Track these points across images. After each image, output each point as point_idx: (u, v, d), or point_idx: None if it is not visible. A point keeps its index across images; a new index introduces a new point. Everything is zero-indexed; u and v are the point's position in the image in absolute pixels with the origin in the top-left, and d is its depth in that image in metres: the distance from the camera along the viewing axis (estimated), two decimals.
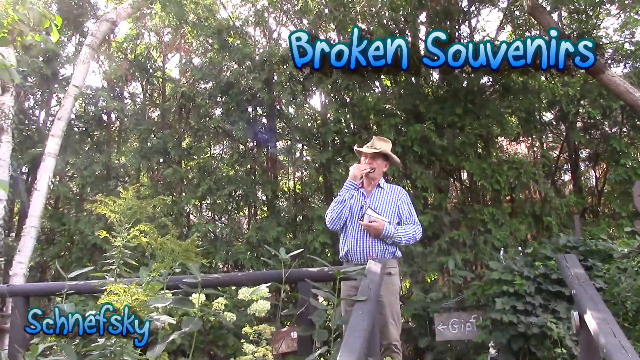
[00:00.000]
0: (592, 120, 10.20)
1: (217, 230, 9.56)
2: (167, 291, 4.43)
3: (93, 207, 3.28)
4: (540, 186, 9.40)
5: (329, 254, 8.95)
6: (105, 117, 11.83)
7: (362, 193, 5.17)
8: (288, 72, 9.66)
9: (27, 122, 12.06)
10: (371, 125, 9.89)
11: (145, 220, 3.39)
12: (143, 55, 12.55)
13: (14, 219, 12.46)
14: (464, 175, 10.57)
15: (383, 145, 5.11)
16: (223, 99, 10.42)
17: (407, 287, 10.31)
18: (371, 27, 9.93)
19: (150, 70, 12.29)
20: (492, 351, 6.38)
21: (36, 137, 11.35)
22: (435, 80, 10.16)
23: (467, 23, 10.91)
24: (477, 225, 8.99)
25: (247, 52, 9.83)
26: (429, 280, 9.35)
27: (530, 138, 10.51)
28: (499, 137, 9.81)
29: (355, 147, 5.31)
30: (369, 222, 4.91)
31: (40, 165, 9.70)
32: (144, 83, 12.58)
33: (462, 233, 8.87)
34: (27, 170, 11.88)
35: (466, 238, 8.84)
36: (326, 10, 10.33)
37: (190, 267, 4.55)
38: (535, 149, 10.86)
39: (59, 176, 11.19)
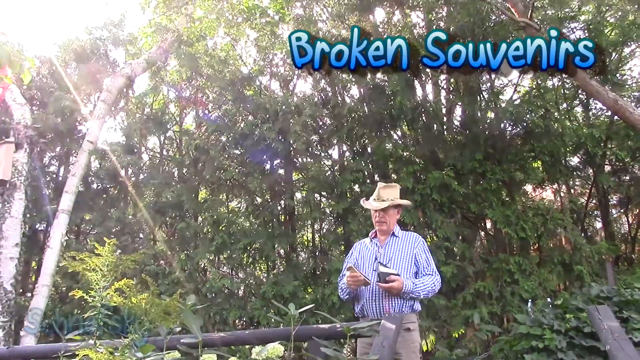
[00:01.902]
0: (620, 163, 9.79)
1: (232, 286, 9.23)
2: (163, 353, 4.13)
3: (69, 264, 3.01)
4: (569, 233, 8.95)
5: (348, 309, 8.55)
6: (121, 173, 11.77)
7: (376, 243, 4.84)
8: (302, 122, 9.48)
9: (43, 178, 12.06)
10: (389, 173, 9.59)
11: (129, 277, 3.10)
12: (161, 109, 12.58)
13: (31, 278, 12.32)
14: (489, 224, 10.15)
15: (390, 193, 4.79)
16: (238, 151, 10.29)
17: (433, 342, 9.81)
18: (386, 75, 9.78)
19: (167, 125, 12.29)
20: None
21: (52, 194, 11.30)
22: (454, 125, 9.89)
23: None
24: (503, 276, 8.53)
25: (261, 102, 9.72)
26: (456, 335, 8.84)
27: (556, 183, 10.10)
28: (523, 183, 9.40)
29: (362, 203, 4.98)
30: (386, 279, 4.55)
31: (54, 222, 9.61)
32: (161, 137, 12.59)
33: (488, 284, 8.41)
34: (43, 228, 11.80)
35: (492, 289, 8.38)
36: None
37: (191, 325, 4.25)
38: (562, 194, 10.44)
39: (74, 233, 11.09)
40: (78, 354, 2.83)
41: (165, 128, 11.98)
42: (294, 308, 4.56)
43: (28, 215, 9.33)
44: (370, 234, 4.87)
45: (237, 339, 5.29)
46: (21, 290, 11.81)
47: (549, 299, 6.83)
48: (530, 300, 7.49)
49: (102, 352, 2.64)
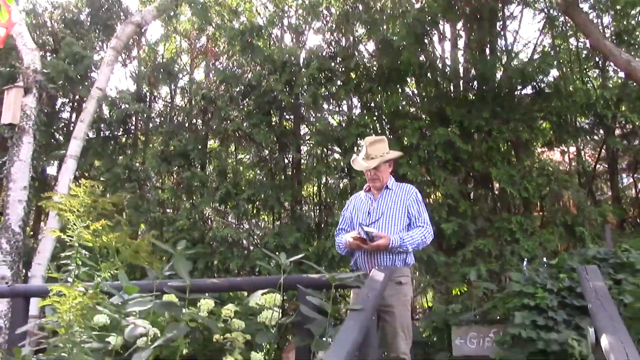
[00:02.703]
0: (631, 126, 9.62)
1: (236, 235, 9.32)
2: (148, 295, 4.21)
3: (45, 205, 3.06)
4: (574, 195, 8.87)
5: (348, 263, 8.62)
6: (131, 120, 11.82)
7: (370, 197, 4.80)
8: (310, 74, 9.40)
9: (55, 124, 12.16)
10: (395, 128, 9.49)
11: (106, 218, 3.13)
12: (172, 58, 12.54)
13: (43, 222, 12.56)
14: (495, 184, 10.09)
15: (379, 149, 4.64)
16: (245, 102, 10.26)
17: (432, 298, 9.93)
18: (397, 29, 9.63)
19: (179, 75, 12.26)
20: None
21: (61, 139, 11.41)
22: (463, 82, 9.72)
23: (502, 25, 10.42)
24: (504, 235, 8.51)
25: (269, 53, 9.62)
26: (458, 293, 8.89)
27: (564, 145, 9.95)
28: (530, 143, 9.27)
29: (352, 163, 4.88)
30: (372, 238, 4.57)
31: (62, 167, 9.72)
32: (171, 87, 12.58)
33: (488, 243, 8.40)
34: (54, 174, 11.95)
35: (492, 248, 8.37)
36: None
37: (180, 270, 4.32)
38: (569, 156, 10.32)
39: (83, 179, 11.19)
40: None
41: (175, 77, 11.95)
42: (284, 257, 4.63)
43: (34, 162, 9.41)
44: (364, 187, 4.83)
45: (228, 285, 5.39)
46: (32, 233, 12.09)
47: (544, 259, 6.83)
48: (526, 259, 7.50)
49: (74, 290, 2.69)
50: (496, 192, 9.85)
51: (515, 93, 9.56)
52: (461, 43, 10.50)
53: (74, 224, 2.98)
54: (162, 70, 11.88)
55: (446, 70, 9.57)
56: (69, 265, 3.23)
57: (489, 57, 9.51)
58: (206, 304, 5.79)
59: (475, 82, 9.53)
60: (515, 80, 9.22)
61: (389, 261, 4.57)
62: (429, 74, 9.56)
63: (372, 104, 10.02)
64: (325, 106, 10.45)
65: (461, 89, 9.65)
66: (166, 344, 5.57)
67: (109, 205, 2.90)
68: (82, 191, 2.95)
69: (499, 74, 9.62)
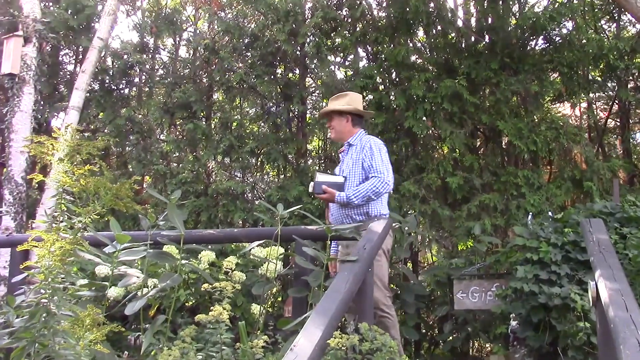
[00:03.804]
0: None
1: (238, 188, 9.25)
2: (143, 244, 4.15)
3: (28, 148, 2.96)
4: (583, 149, 8.69)
5: None
6: (135, 72, 11.62)
7: (341, 155, 5.08)
8: (314, 23, 9.14)
9: (58, 76, 12.00)
10: (402, 79, 9.25)
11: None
12: (175, 9, 12.26)
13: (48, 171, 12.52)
14: (502, 138, 9.89)
15: (335, 103, 4.90)
16: (249, 53, 10.04)
17: (436, 252, 9.88)
18: None
19: (183, 26, 12.01)
20: (512, 323, 5.91)
21: (65, 91, 11.27)
22: (471, 32, 9.41)
23: None
24: (510, 189, 8.38)
25: (272, 1, 9.35)
26: (464, 248, 8.83)
27: (574, 98, 9.69)
28: (539, 95, 9.02)
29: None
30: (321, 189, 4.73)
31: (64, 119, 9.62)
32: (175, 38, 12.36)
33: (494, 197, 8.28)
34: (59, 126, 11.86)
35: (498, 202, 8.26)
36: None
37: (174, 219, 4.24)
38: (580, 109, 10.07)
39: (85, 130, 11.10)
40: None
41: (179, 27, 11.70)
42: (282, 208, 4.55)
43: (37, 114, 9.31)
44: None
45: (224, 236, 5.34)
46: (36, 185, 12.03)
47: (550, 213, 6.71)
48: (531, 214, 7.37)
49: (53, 235, 2.61)
50: (504, 146, 9.68)
51: (526, 44, 9.27)
52: None
53: (57, 170, 2.90)
54: (166, 21, 11.62)
55: (455, 19, 9.26)
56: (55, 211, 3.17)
57: (501, 6, 9.18)
58: (206, 255, 5.77)
59: (485, 33, 9.22)
60: (527, 30, 8.95)
61: (344, 215, 4.77)
62: (437, 25, 9.26)
63: (378, 55, 9.76)
64: (331, 58, 10.21)
65: (471, 39, 9.34)
66: (164, 294, 5.57)
67: (94, 150, 2.79)
68: (63, 134, 2.84)
69: (510, 25, 9.33)
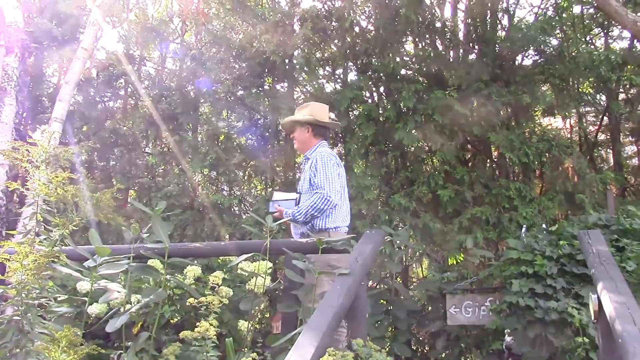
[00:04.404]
0: (635, 91, 9.29)
1: (225, 202, 9.07)
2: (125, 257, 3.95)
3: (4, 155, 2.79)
4: (575, 161, 8.60)
5: None
6: (120, 83, 11.45)
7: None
8: (303, 34, 9.03)
9: (41, 89, 11.78)
10: (392, 92, 9.15)
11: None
12: (161, 19, 12.15)
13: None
14: (492, 150, 9.81)
15: (297, 115, 4.88)
16: (237, 65, 9.91)
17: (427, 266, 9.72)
18: None
19: (170, 37, 11.87)
20: (507, 338, 5.77)
21: (47, 102, 11.05)
22: (462, 43, 9.36)
23: None
24: (502, 202, 8.28)
25: (261, 11, 9.24)
26: (456, 262, 8.68)
27: (565, 110, 9.63)
28: (530, 107, 8.96)
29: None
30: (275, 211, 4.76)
31: (44, 129, 9.39)
32: (162, 49, 12.20)
33: (486, 210, 8.17)
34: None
35: (489, 215, 8.15)
36: None
37: (158, 231, 4.05)
38: (570, 121, 10.01)
39: (69, 143, 10.87)
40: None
41: (164, 38, 11.55)
42: (271, 220, 4.38)
43: (15, 124, 9.08)
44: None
45: (212, 250, 5.15)
46: (17, 199, 11.78)
47: (543, 225, 6.59)
48: (525, 226, 7.26)
49: (26, 247, 2.42)
50: (495, 159, 9.58)
51: (517, 57, 9.23)
52: (461, 6, 10.16)
53: (33, 177, 2.72)
54: (153, 32, 11.47)
55: (445, 30, 9.20)
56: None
57: (489, 19, 9.13)
58: (192, 270, 5.56)
59: (476, 45, 9.16)
60: (517, 42, 8.90)
61: (295, 230, 4.79)
62: (427, 36, 9.20)
63: (368, 67, 9.66)
64: (321, 71, 10.10)
65: (461, 51, 9.28)
66: (148, 310, 5.32)
67: (71, 156, 2.62)
68: (41, 140, 2.67)
69: (500, 38, 9.30)
